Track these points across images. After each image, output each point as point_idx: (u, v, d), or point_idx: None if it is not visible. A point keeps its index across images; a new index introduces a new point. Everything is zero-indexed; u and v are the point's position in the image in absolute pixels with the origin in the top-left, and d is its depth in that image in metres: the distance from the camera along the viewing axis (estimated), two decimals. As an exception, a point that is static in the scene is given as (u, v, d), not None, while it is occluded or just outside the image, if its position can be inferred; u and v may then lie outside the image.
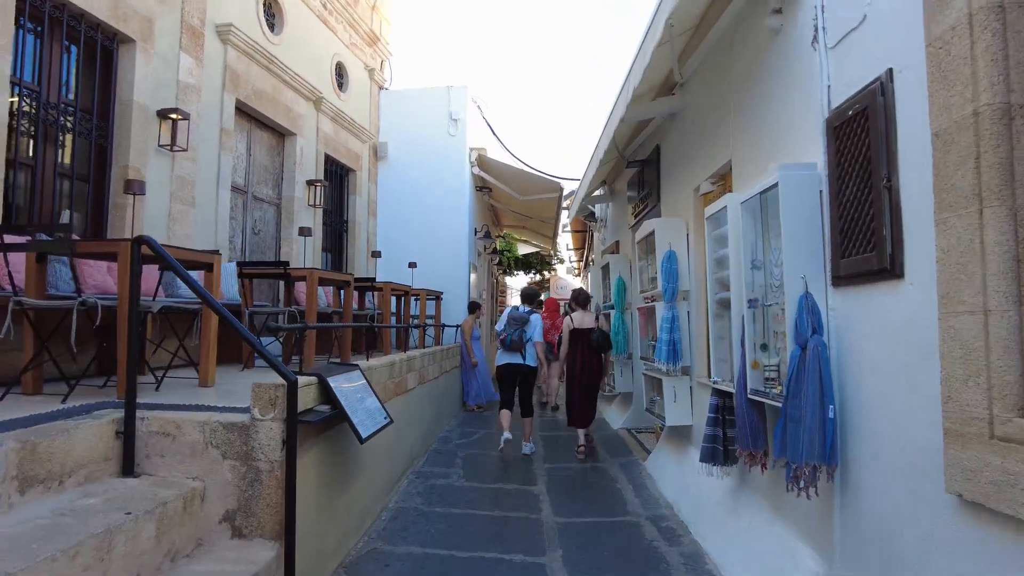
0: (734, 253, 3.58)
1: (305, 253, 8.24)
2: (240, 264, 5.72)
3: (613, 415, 8.77)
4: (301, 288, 7.53)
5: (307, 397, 3.23)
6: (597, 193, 10.56)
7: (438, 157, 10.49)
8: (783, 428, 2.73)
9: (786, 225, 2.85)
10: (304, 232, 7.94)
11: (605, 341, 6.76)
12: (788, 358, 2.75)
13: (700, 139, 4.90)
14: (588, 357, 6.71)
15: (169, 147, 5.70)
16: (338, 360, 5.14)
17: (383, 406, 4.02)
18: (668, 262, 5.39)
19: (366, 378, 4.08)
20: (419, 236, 10.43)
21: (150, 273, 4.56)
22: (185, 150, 5.84)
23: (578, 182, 10.17)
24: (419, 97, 10.69)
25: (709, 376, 4.33)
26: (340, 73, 9.48)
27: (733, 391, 3.60)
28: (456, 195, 10.42)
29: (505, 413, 6.62)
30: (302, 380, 3.08)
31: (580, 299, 6.99)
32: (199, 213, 6.23)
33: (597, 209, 11.02)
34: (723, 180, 4.71)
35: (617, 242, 9.29)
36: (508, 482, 5.63)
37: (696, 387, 5.23)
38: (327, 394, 3.45)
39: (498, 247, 15.87)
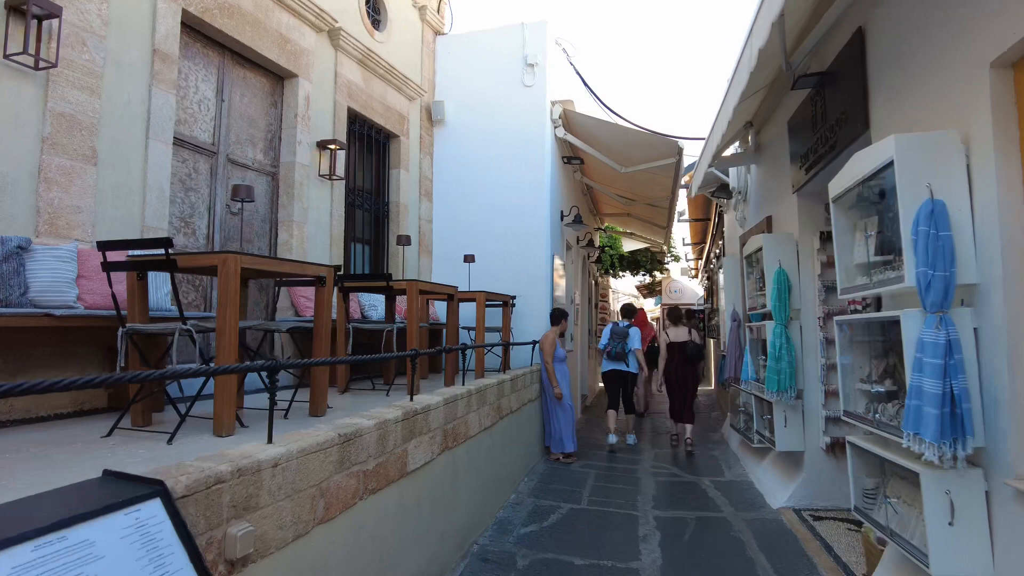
0: None
1: (316, 244, 5.91)
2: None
3: (769, 483, 5.75)
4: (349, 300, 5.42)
5: None
6: (730, 152, 7.55)
7: (509, 116, 7.90)
8: None
9: None
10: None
11: (698, 353, 7.82)
12: None
13: None
14: (684, 367, 7.82)
15: (31, 60, 3.48)
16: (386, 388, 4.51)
17: None
18: (930, 224, 2.49)
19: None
20: (481, 222, 7.87)
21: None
22: (53, 65, 3.60)
23: (702, 142, 7.22)
24: (485, 41, 8.16)
25: None
26: (375, 7, 7.13)
27: None
28: (533, 165, 7.77)
29: (611, 413, 7.70)
30: None
31: (674, 316, 8.06)
32: (107, 175, 3.99)
33: (732, 177, 7.97)
34: None
35: (768, 219, 6.27)
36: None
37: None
38: None
39: (598, 241, 13.05)
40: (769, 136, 6.37)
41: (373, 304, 6.22)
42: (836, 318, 3.73)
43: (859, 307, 4.13)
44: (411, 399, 3.49)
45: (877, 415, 3.19)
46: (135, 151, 4.17)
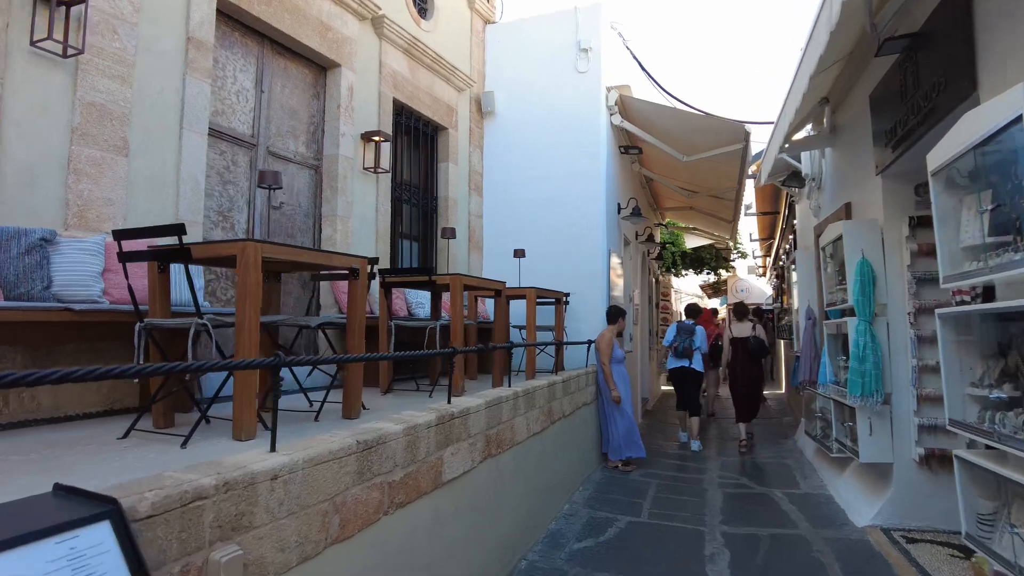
0: None
1: (361, 239, 5.70)
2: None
3: (852, 497, 5.17)
4: (393, 294, 5.22)
5: None
6: (802, 136, 6.94)
7: (562, 104, 7.52)
8: None
9: None
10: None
11: (761, 348, 7.80)
12: None
13: None
14: (747, 362, 7.81)
15: (58, 47, 3.36)
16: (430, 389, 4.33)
17: None
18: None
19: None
20: (533, 216, 7.52)
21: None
22: (80, 52, 3.47)
23: (770, 127, 6.65)
24: (536, 27, 7.81)
25: None
26: (422, -5, 6.91)
27: None
28: (588, 154, 7.37)
29: (680, 413, 7.93)
30: None
31: (738, 311, 8.11)
32: (139, 166, 3.86)
33: (804, 163, 7.35)
34: None
35: (847, 205, 5.68)
36: None
37: None
38: None
39: (659, 237, 12.50)
40: (847, 114, 5.77)
41: (420, 302, 5.97)
42: (938, 311, 3.20)
43: (966, 298, 3.56)
44: (449, 402, 3.17)
45: (996, 426, 2.66)
46: (168, 142, 4.03)
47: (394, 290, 5.64)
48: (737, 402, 7.81)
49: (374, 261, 3.80)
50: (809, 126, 6.97)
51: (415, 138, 6.84)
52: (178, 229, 2.61)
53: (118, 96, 3.73)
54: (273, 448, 1.96)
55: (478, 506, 3.30)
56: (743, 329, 7.87)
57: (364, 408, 3.59)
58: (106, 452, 2.44)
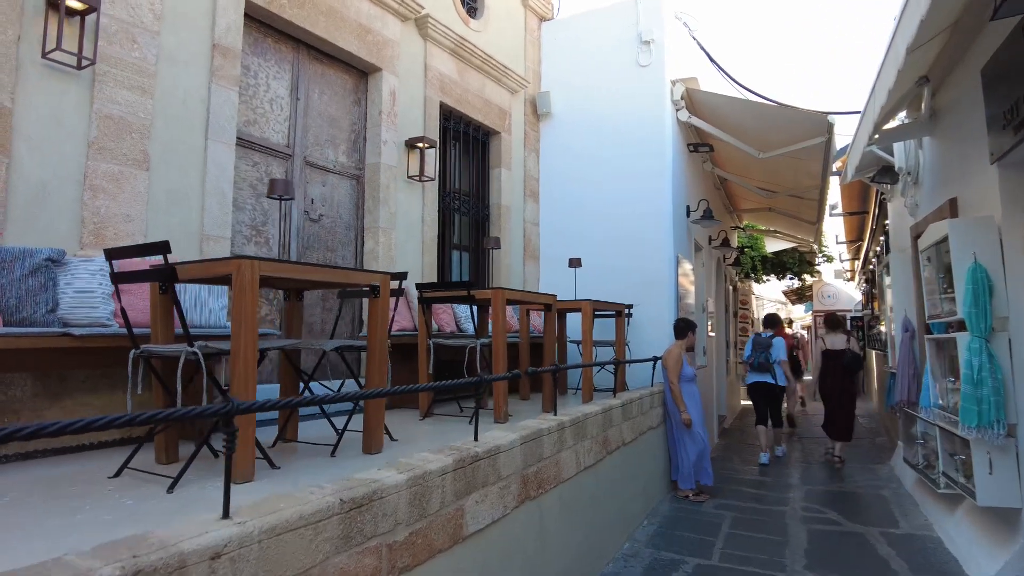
0: None
1: (406, 252, 5.40)
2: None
3: (966, 544, 4.37)
4: (439, 310, 4.93)
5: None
6: (894, 124, 6.12)
7: (623, 102, 7.00)
8: None
9: None
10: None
11: (856, 362, 7.35)
12: None
13: None
14: (840, 377, 7.30)
15: (72, 59, 3.20)
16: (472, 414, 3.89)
17: None
18: None
19: None
20: (593, 222, 7.01)
21: None
22: (92, 62, 3.30)
23: (856, 117, 5.91)
24: (593, 21, 7.34)
25: None
26: (471, -7, 6.59)
27: None
28: (652, 154, 6.81)
29: (761, 429, 7.46)
30: None
31: (831, 322, 7.65)
32: (160, 180, 3.67)
33: (897, 155, 6.51)
34: None
35: (952, 201, 4.88)
36: None
37: None
38: None
39: (735, 241, 11.67)
40: (951, 95, 4.97)
41: (470, 317, 5.60)
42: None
43: None
44: (476, 438, 2.75)
45: None
46: (192, 154, 3.83)
47: (441, 304, 5.30)
48: (830, 420, 7.39)
49: (401, 276, 3.45)
50: (902, 113, 6.15)
51: (465, 143, 6.51)
52: (162, 247, 2.32)
53: (138, 108, 3.56)
54: (226, 514, 1.59)
55: (511, 558, 2.86)
56: (837, 341, 7.40)
57: (392, 439, 3.23)
58: (86, 496, 2.18)
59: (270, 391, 3.75)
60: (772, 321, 7.95)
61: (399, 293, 3.44)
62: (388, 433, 3.25)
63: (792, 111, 6.57)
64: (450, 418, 4.13)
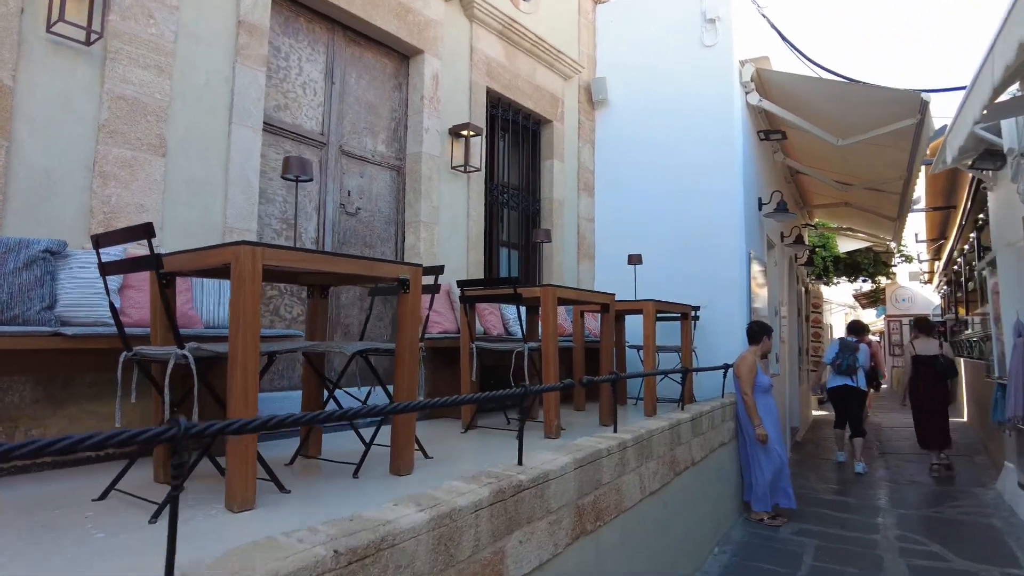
0: None
1: (450, 248, 4.99)
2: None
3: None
4: (485, 310, 4.53)
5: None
6: (1007, 97, 5.33)
7: (687, 86, 6.43)
8: None
9: None
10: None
11: (950, 368, 7.05)
12: None
13: None
14: (932, 384, 7.02)
15: (81, 33, 2.91)
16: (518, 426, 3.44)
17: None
18: None
19: None
20: (655, 217, 6.45)
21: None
22: (100, 36, 3.00)
23: (956, 94, 5.17)
24: (652, 0, 6.79)
25: None
26: (520, -27, 6.14)
27: None
28: (719, 141, 6.20)
29: (839, 432, 7.63)
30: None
31: (923, 327, 7.42)
32: (178, 167, 3.36)
33: (1005, 135, 5.70)
34: None
35: (1088, 181, 4.12)
36: None
37: None
38: None
39: (806, 238, 10.83)
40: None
41: (518, 319, 5.13)
42: None
43: None
44: (520, 462, 2.27)
45: None
46: (215, 139, 3.51)
47: (487, 304, 4.86)
48: (921, 428, 7.20)
49: (437, 270, 3.02)
50: (1014, 86, 5.37)
51: (515, 134, 6.06)
52: (146, 230, 1.95)
53: (154, 88, 3.25)
54: (169, 572, 1.17)
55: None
56: (929, 347, 7.17)
57: (426, 456, 2.80)
58: (55, 525, 1.83)
59: (294, 399, 3.38)
60: (858, 328, 7.85)
61: (434, 289, 3.01)
62: (422, 449, 2.82)
63: (879, 90, 5.84)
64: (496, 431, 3.67)
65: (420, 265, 2.58)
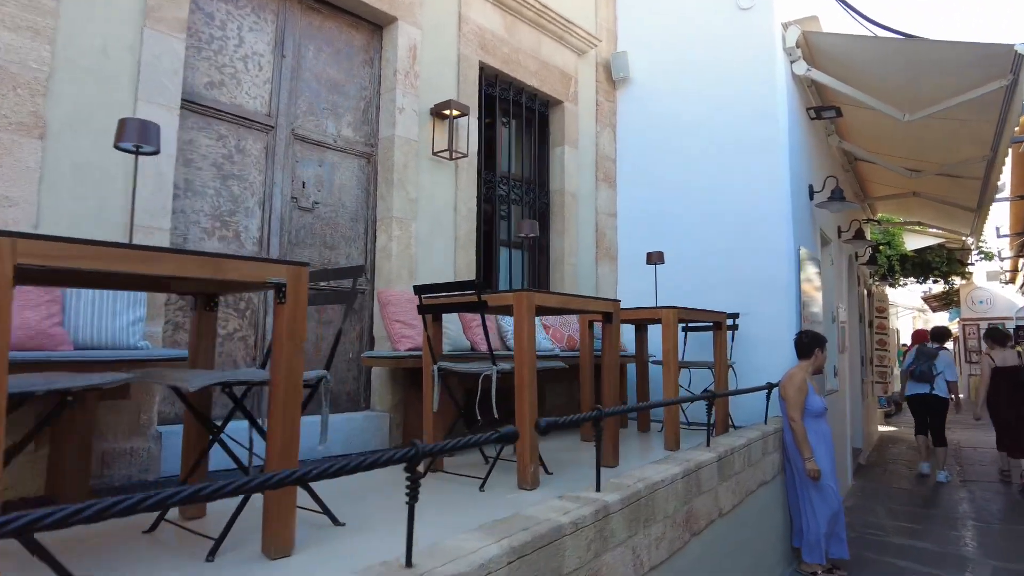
0: None
1: (432, 249, 4.26)
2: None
3: None
4: (472, 322, 3.86)
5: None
6: None
7: (721, 56, 5.53)
8: None
9: None
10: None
11: None
12: None
13: None
14: (1013, 396, 6.77)
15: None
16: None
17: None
18: None
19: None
20: (684, 209, 5.55)
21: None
22: (-71, -20, 2.39)
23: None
24: (681, -39, 5.91)
25: None
26: (523, -65, 5.38)
27: None
28: (760, 117, 5.27)
29: (921, 439, 7.45)
30: None
31: (998, 337, 7.15)
32: (62, 152, 2.73)
33: None
34: None
35: None
36: None
37: None
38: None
39: (867, 233, 9.64)
40: None
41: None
42: None
43: None
44: (407, 562, 1.49)
45: None
46: (113, 119, 2.87)
47: (473, 315, 4.09)
48: (1005, 439, 7.01)
49: (356, 271, 2.27)
50: None
51: (518, 117, 5.29)
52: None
53: (27, 55, 2.63)
54: None
55: None
56: (1008, 357, 7.06)
57: (337, 523, 2.06)
58: (113, 554, 1.15)
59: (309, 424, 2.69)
60: (940, 334, 7.64)
61: (350, 297, 2.27)
62: (330, 514, 2.07)
63: (957, 47, 4.82)
64: (461, 479, 2.89)
65: (305, 264, 1.84)
